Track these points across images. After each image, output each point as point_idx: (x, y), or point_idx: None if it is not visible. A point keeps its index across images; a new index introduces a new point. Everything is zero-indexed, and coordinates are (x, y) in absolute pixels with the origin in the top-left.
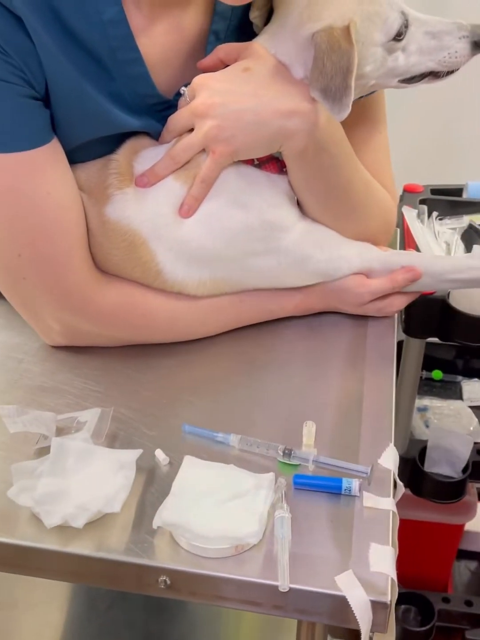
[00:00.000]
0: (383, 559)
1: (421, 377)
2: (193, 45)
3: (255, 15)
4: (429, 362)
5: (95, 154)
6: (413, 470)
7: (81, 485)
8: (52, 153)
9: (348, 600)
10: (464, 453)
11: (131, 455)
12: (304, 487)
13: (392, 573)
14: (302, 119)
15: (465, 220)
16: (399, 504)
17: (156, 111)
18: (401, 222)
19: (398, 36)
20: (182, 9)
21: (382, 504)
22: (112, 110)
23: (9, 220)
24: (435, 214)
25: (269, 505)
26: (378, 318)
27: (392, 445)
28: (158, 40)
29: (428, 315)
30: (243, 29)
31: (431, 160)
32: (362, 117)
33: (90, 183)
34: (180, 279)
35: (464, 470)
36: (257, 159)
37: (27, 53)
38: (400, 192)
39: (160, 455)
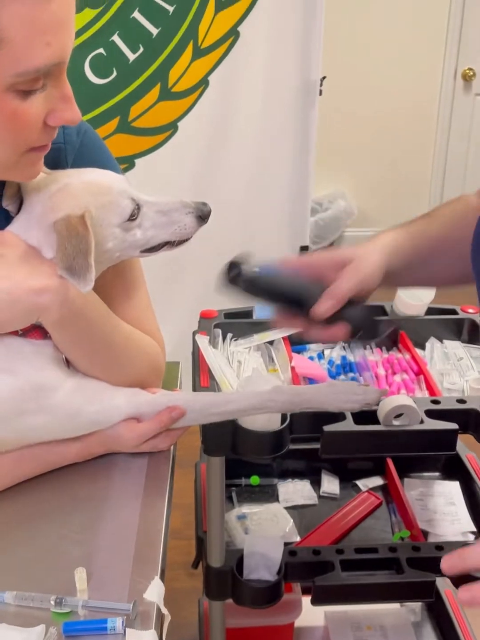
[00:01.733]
0: None
1: (241, 485)
2: None
3: (6, 203)
4: (247, 469)
5: None
6: (232, 580)
7: None
8: None
9: None
10: (277, 556)
11: None
12: (74, 633)
13: None
14: (53, 294)
15: (256, 338)
16: (228, 614)
17: None
18: (196, 349)
19: (132, 217)
20: None
21: (144, 637)
22: None
23: None
24: (230, 335)
25: None
26: (155, 452)
27: (157, 578)
28: None
29: (222, 434)
30: (2, 213)
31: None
32: (119, 279)
33: None
34: None
35: (279, 571)
36: (21, 329)
37: None
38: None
39: None
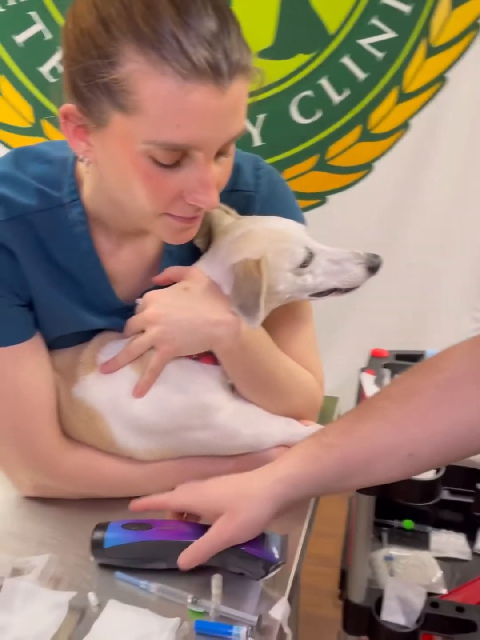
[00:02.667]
0: None
1: (393, 526)
2: (151, 263)
3: (198, 241)
4: (401, 512)
5: (71, 342)
6: (370, 618)
7: (21, 622)
8: (33, 346)
9: None
10: (418, 604)
11: (65, 597)
12: (203, 631)
13: None
14: (227, 327)
15: None
16: None
17: (120, 313)
18: (361, 386)
19: (304, 264)
20: (143, 236)
21: None
22: (82, 313)
23: None
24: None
25: None
26: None
27: (284, 598)
28: (123, 260)
29: None
30: (193, 249)
31: (400, 328)
32: (288, 315)
33: (63, 367)
34: (131, 447)
35: (418, 620)
36: (196, 354)
37: (17, 276)
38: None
39: (91, 597)
